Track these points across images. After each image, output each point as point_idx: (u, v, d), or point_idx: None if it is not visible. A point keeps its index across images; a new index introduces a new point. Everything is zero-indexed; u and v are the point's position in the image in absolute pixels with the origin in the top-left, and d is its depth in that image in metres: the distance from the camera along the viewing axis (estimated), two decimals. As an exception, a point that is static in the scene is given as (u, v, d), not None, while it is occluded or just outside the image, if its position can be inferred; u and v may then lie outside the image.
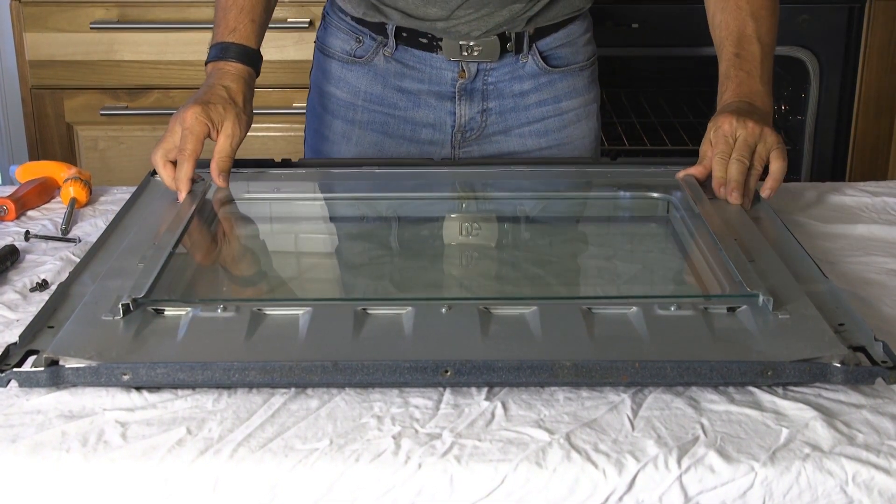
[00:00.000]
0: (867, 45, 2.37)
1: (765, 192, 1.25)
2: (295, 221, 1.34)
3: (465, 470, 0.80)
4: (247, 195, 1.31)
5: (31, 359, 0.89)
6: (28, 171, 1.40)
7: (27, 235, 1.23)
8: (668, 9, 2.39)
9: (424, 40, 1.45)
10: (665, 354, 0.89)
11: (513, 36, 1.45)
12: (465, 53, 1.44)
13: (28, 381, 0.88)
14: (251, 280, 1.17)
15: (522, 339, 0.92)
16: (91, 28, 2.35)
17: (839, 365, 0.87)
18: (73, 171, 1.38)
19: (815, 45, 2.37)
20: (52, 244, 1.22)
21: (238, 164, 1.36)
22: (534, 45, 1.46)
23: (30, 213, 1.32)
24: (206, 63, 1.36)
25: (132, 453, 0.81)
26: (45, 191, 1.36)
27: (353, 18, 1.48)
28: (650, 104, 2.72)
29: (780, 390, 0.89)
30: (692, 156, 1.33)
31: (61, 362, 0.88)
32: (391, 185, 1.34)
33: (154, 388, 0.89)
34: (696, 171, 1.28)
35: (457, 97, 1.48)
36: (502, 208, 1.36)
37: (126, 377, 0.87)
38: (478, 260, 1.24)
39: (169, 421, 0.85)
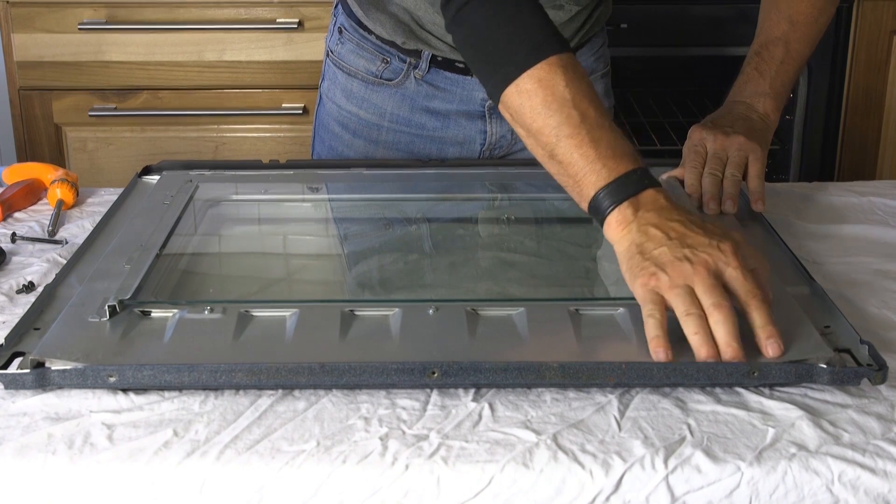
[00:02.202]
0: (855, 44, 2.38)
1: (756, 209, 1.25)
2: (282, 223, 1.34)
3: (451, 471, 0.80)
4: (234, 196, 1.31)
5: (17, 361, 0.89)
6: (15, 173, 1.40)
7: (14, 237, 1.23)
8: (658, 9, 2.39)
9: (461, 65, 1.40)
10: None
11: None
12: None
13: (14, 384, 0.87)
14: (238, 281, 1.17)
15: (509, 341, 0.92)
16: (79, 29, 2.35)
17: (825, 366, 0.88)
18: (59, 172, 1.37)
19: (803, 46, 2.37)
20: (38, 246, 1.22)
21: (225, 166, 1.36)
22: None
23: (16, 214, 1.32)
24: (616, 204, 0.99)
25: (118, 455, 0.81)
26: (31, 192, 1.36)
27: (378, 38, 1.42)
28: (639, 104, 2.72)
29: (766, 390, 0.89)
30: (681, 156, 1.33)
31: (47, 364, 0.88)
32: (379, 187, 1.34)
33: (141, 389, 0.89)
34: (679, 173, 1.28)
35: (487, 116, 1.44)
36: (490, 209, 1.36)
37: (112, 379, 0.87)
38: (465, 261, 1.24)
39: (155, 423, 0.85)
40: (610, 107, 1.56)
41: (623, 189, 0.98)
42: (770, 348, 0.89)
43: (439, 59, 1.40)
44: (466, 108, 1.44)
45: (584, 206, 1.00)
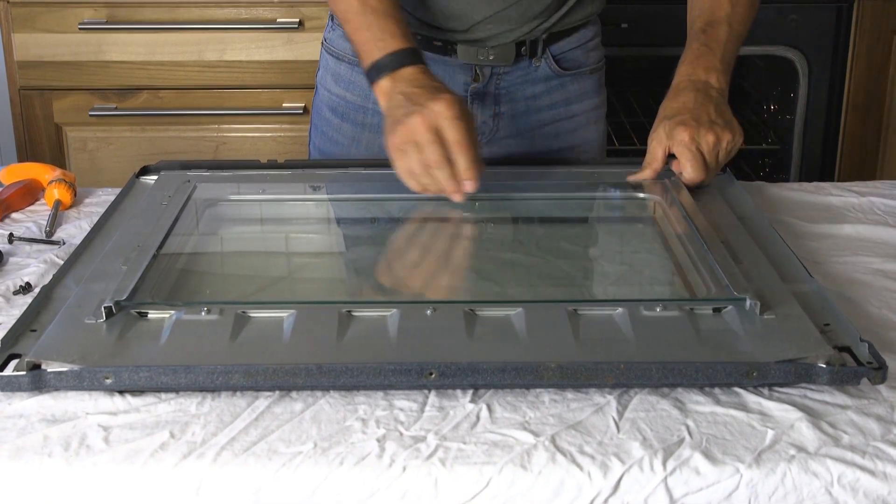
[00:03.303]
0: (855, 44, 2.38)
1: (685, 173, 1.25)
2: (280, 223, 1.33)
3: (449, 473, 0.80)
4: (232, 196, 1.31)
5: (14, 363, 0.89)
6: (12, 173, 1.39)
7: (11, 238, 1.22)
8: (657, 8, 2.39)
9: (439, 43, 1.43)
10: (650, 356, 0.89)
11: (528, 41, 1.44)
12: (481, 58, 1.43)
13: (10, 386, 0.87)
14: (235, 282, 1.17)
15: (508, 341, 0.91)
16: (79, 29, 2.34)
17: (824, 365, 0.87)
18: (57, 173, 1.37)
19: (803, 45, 2.37)
20: (35, 247, 1.21)
21: (223, 166, 1.35)
22: (547, 50, 1.46)
23: (14, 215, 1.32)
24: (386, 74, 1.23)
25: (115, 457, 0.81)
26: (29, 193, 1.36)
27: None
28: (639, 103, 2.72)
29: (765, 391, 0.89)
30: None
31: (43, 366, 0.87)
32: (377, 186, 1.34)
33: (137, 391, 0.88)
34: (647, 175, 1.28)
35: (469, 101, 1.45)
36: (488, 209, 1.35)
37: (109, 381, 0.86)
38: (463, 261, 1.24)
39: (152, 425, 0.85)
40: (602, 101, 1.56)
41: (388, 65, 1.22)
42: (467, 186, 1.14)
43: (418, 36, 1.40)
44: None
45: (367, 77, 1.25)
